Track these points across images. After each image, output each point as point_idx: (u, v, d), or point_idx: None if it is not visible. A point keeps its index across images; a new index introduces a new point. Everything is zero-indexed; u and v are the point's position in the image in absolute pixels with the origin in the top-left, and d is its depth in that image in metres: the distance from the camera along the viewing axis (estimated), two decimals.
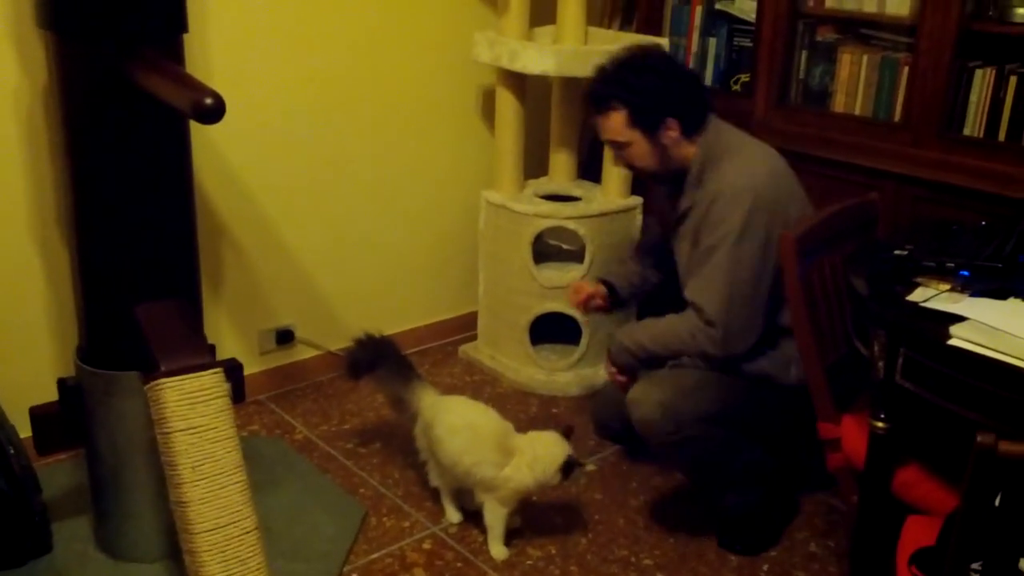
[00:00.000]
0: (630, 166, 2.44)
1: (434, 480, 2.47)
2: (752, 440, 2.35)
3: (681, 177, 2.37)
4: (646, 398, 2.26)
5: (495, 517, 2.33)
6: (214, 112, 1.70)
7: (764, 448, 2.38)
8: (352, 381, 2.68)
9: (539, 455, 2.28)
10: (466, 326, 3.44)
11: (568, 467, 2.28)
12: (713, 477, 2.38)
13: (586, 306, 2.68)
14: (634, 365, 2.38)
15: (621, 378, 2.42)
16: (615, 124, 2.33)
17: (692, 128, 2.32)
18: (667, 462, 2.39)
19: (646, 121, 2.31)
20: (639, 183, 3.17)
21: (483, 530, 2.40)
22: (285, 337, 3.07)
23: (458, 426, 2.34)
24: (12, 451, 2.14)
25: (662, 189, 2.55)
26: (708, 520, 2.50)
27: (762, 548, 2.42)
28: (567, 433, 2.34)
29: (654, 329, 2.36)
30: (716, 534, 2.44)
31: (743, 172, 2.25)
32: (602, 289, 2.67)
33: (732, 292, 2.20)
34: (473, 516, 2.46)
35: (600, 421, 2.70)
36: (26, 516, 2.17)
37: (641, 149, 2.34)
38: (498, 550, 2.35)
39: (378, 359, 2.51)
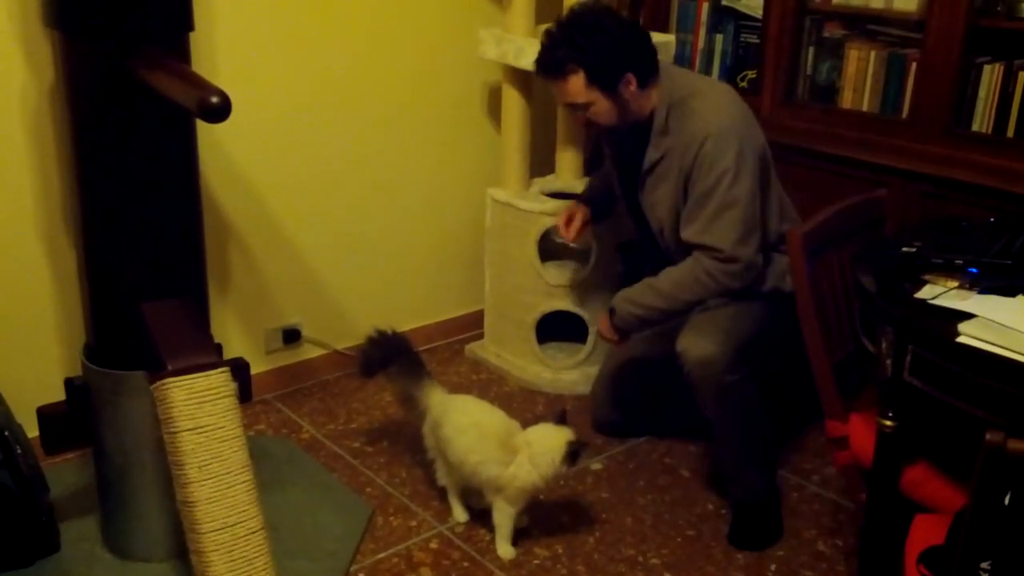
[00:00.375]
0: (591, 124, 2.46)
1: (441, 479, 2.46)
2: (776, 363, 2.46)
3: (642, 128, 2.42)
4: (698, 341, 2.32)
5: (503, 516, 2.33)
6: (220, 110, 1.70)
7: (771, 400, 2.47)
8: (364, 379, 2.68)
9: (538, 450, 2.26)
10: (472, 324, 3.44)
11: (573, 453, 2.26)
12: (744, 435, 2.41)
13: (579, 231, 2.76)
14: (641, 328, 2.48)
15: (617, 340, 2.54)
16: (574, 87, 2.35)
17: (647, 78, 2.37)
18: (707, 413, 2.41)
19: (604, 79, 2.33)
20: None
21: (490, 529, 2.39)
22: (292, 336, 3.07)
23: (464, 425, 2.34)
24: (20, 451, 2.14)
25: (614, 143, 2.61)
26: (715, 519, 2.50)
27: (770, 542, 2.42)
28: (561, 418, 2.33)
29: (662, 288, 2.41)
30: (728, 530, 2.45)
31: (719, 112, 2.32)
32: (583, 207, 2.78)
33: (742, 226, 2.30)
34: (480, 515, 2.46)
35: (600, 418, 2.76)
36: (33, 516, 2.17)
37: (602, 107, 2.37)
38: (505, 549, 2.34)
39: (390, 356, 2.51)
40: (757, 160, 2.33)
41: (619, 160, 2.62)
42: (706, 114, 2.32)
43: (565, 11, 2.40)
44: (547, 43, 2.38)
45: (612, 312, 2.51)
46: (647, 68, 2.37)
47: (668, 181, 2.40)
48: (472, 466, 2.30)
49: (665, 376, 2.49)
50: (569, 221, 2.76)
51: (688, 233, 2.36)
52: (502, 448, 2.28)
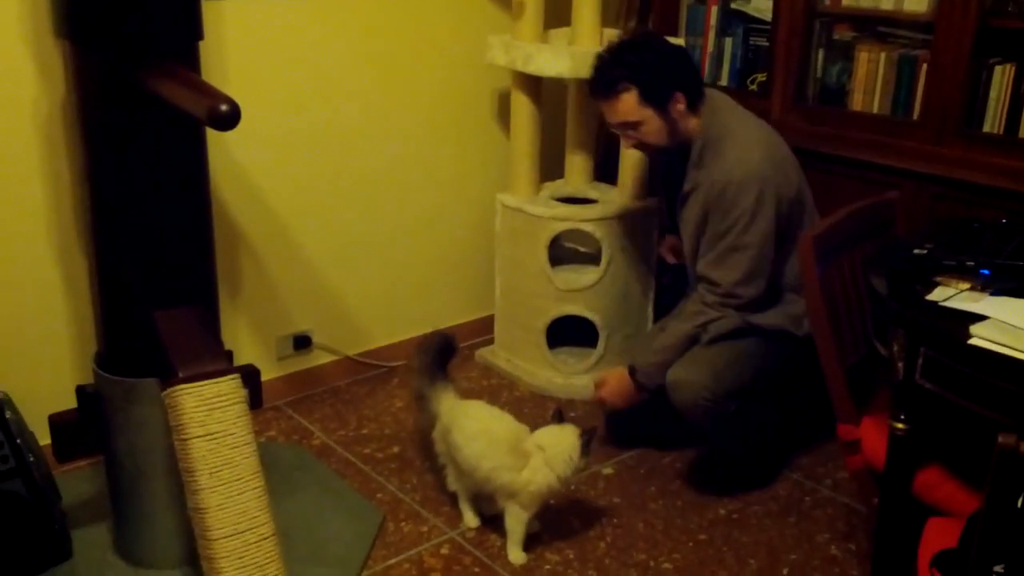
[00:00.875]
0: (641, 145, 2.55)
1: (452, 484, 2.46)
2: (773, 396, 2.55)
3: (685, 153, 2.51)
4: (687, 382, 2.43)
5: (515, 521, 2.32)
6: (230, 118, 1.70)
7: (778, 405, 2.60)
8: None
9: (552, 452, 2.27)
10: (483, 330, 3.44)
11: (587, 443, 2.29)
12: (737, 442, 2.58)
13: (674, 251, 2.87)
14: (662, 374, 2.51)
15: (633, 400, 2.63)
16: (626, 105, 2.45)
17: (695, 100, 2.48)
18: (700, 432, 2.60)
19: (656, 96, 2.43)
20: (655, 184, 3.16)
21: (501, 535, 2.39)
22: (302, 342, 3.07)
23: (475, 431, 2.33)
24: (32, 458, 2.15)
25: (663, 165, 2.73)
26: (727, 524, 2.49)
27: (763, 483, 2.62)
28: (559, 417, 2.36)
29: (669, 340, 2.54)
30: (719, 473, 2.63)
31: (745, 159, 2.39)
32: (669, 237, 2.89)
33: (747, 269, 2.42)
34: (491, 521, 2.45)
35: (611, 425, 2.82)
36: (46, 523, 2.18)
37: (653, 125, 2.47)
38: (517, 555, 2.34)
39: (432, 350, 2.49)
40: (780, 206, 2.40)
41: (666, 178, 2.74)
42: (733, 159, 2.40)
43: (618, 37, 2.53)
44: (599, 64, 2.49)
45: (633, 371, 2.58)
46: (695, 90, 2.47)
47: (693, 211, 2.51)
48: (485, 472, 2.30)
49: None
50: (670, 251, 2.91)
51: (700, 265, 2.51)
52: (513, 453, 2.28)
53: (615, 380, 2.63)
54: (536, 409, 3.03)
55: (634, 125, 2.48)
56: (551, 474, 2.26)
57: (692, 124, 2.48)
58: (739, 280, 2.43)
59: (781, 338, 2.50)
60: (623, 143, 2.64)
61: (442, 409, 2.44)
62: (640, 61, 2.42)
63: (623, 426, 2.84)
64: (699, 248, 2.53)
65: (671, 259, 2.89)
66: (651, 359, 2.55)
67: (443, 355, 2.50)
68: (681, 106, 2.44)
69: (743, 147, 2.41)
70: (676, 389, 2.45)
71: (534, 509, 2.32)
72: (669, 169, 2.71)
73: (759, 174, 2.37)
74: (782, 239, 2.44)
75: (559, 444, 2.28)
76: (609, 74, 2.45)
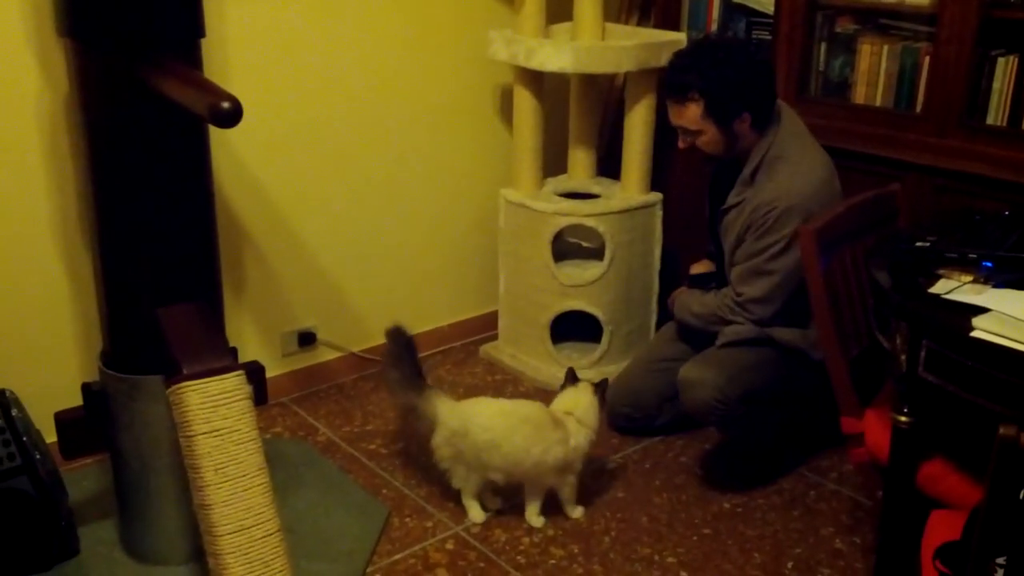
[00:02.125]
0: (695, 149, 2.55)
1: (459, 483, 2.45)
2: (784, 410, 2.58)
3: (737, 163, 2.50)
4: (699, 381, 2.46)
5: (571, 489, 2.45)
6: (231, 116, 1.71)
7: (792, 416, 2.64)
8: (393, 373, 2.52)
9: (580, 411, 2.41)
10: (487, 325, 3.44)
11: (602, 395, 2.47)
12: (749, 445, 2.65)
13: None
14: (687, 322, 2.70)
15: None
16: (691, 114, 2.46)
17: (762, 121, 2.47)
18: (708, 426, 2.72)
19: (721, 114, 2.43)
20: (658, 180, 3.16)
21: (506, 530, 2.41)
22: (307, 339, 3.08)
23: (509, 426, 2.34)
24: (38, 456, 2.16)
25: (714, 166, 2.70)
26: (732, 517, 2.49)
27: (768, 480, 2.63)
28: (573, 377, 2.51)
29: (703, 302, 2.66)
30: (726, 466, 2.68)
31: (794, 188, 2.39)
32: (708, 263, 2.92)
33: (766, 291, 2.47)
34: (496, 515, 2.47)
35: (616, 415, 2.83)
36: (53, 520, 2.19)
37: (711, 137, 2.48)
38: (579, 511, 2.48)
39: (402, 356, 2.45)
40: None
41: (712, 183, 2.72)
42: (783, 184, 2.41)
43: (706, 37, 2.50)
44: (677, 63, 2.48)
45: (674, 301, 2.79)
46: (765, 111, 2.46)
47: (736, 224, 2.53)
48: (536, 458, 2.33)
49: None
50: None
51: (731, 272, 2.58)
52: (554, 428, 2.36)
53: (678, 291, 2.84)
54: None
55: (693, 132, 2.49)
56: (587, 431, 2.40)
57: (753, 141, 2.48)
58: (756, 298, 2.49)
59: (796, 356, 2.52)
60: (679, 141, 2.59)
61: (440, 414, 2.39)
62: (716, 75, 2.39)
63: (631, 421, 2.85)
64: (734, 257, 2.56)
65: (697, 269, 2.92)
66: (689, 301, 2.70)
67: (413, 358, 2.45)
68: (746, 125, 2.44)
69: (797, 176, 2.41)
70: (688, 388, 2.48)
71: (581, 467, 2.43)
72: (717, 177, 2.69)
73: (804, 207, 2.36)
74: None
75: (582, 402, 2.43)
76: (681, 78, 2.44)
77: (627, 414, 2.83)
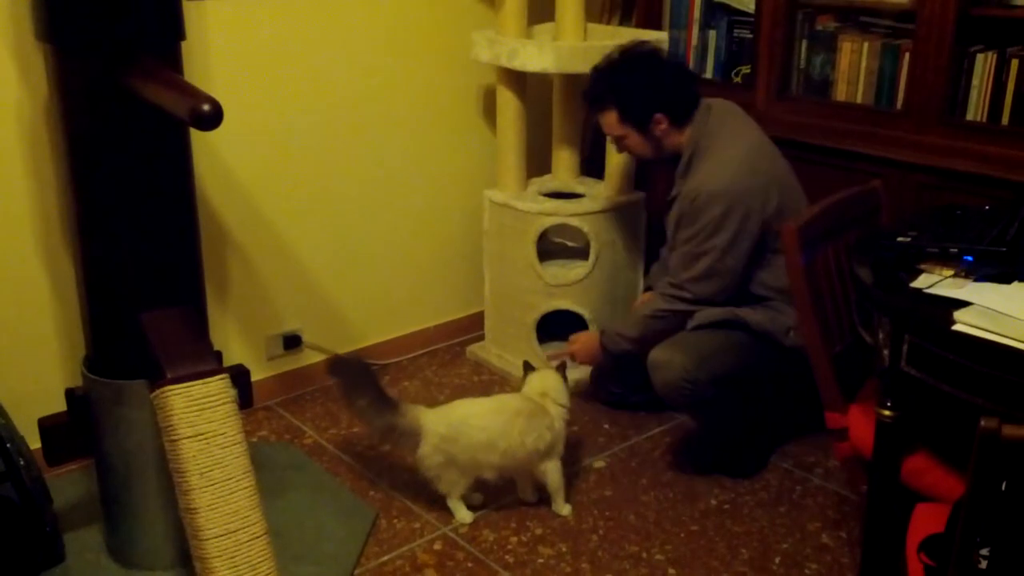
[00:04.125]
0: (630, 153, 2.70)
1: (445, 487, 2.44)
2: (755, 394, 2.61)
3: (677, 162, 2.60)
4: (668, 362, 2.49)
5: (559, 474, 2.47)
6: (212, 118, 1.70)
7: (764, 402, 2.67)
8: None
9: (553, 391, 2.48)
10: (473, 326, 3.44)
11: (564, 373, 2.57)
12: (717, 424, 2.64)
13: None
14: (626, 350, 2.69)
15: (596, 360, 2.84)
16: (609, 121, 2.62)
17: (681, 118, 2.56)
18: (679, 412, 2.80)
19: (636, 118, 2.56)
20: (641, 179, 3.17)
21: (494, 530, 2.41)
22: (292, 342, 3.07)
23: (502, 424, 2.37)
24: (22, 463, 2.15)
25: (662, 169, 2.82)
26: (719, 514, 2.50)
27: (751, 471, 2.66)
28: (528, 367, 2.58)
29: (632, 319, 2.71)
30: (712, 460, 2.69)
31: (718, 173, 2.47)
32: None
33: (704, 268, 2.51)
34: (483, 515, 2.47)
35: (601, 388, 2.97)
36: (37, 527, 2.18)
37: (635, 141, 2.61)
38: (568, 508, 2.50)
39: (359, 383, 2.40)
40: (747, 223, 2.46)
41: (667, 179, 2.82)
42: (707, 172, 2.50)
43: (615, 50, 2.62)
44: (592, 77, 2.62)
45: (602, 333, 2.76)
46: (681, 109, 2.56)
47: (674, 215, 2.63)
48: (531, 447, 2.38)
49: None
50: None
51: (670, 259, 2.67)
52: (540, 414, 2.42)
53: (585, 338, 2.84)
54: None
55: (618, 138, 2.63)
56: (563, 410, 2.47)
57: (679, 138, 2.58)
58: (693, 278, 2.53)
59: (767, 340, 2.54)
60: (616, 148, 2.75)
61: (425, 423, 2.37)
62: (625, 82, 2.54)
63: (614, 395, 2.98)
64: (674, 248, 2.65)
65: None
66: (617, 328, 2.71)
67: (372, 380, 2.40)
68: (664, 126, 2.55)
69: (720, 163, 2.49)
70: (657, 369, 2.51)
71: (563, 450, 2.47)
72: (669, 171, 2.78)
73: (728, 190, 2.44)
74: (761, 251, 2.51)
75: (552, 383, 2.51)
76: (594, 91, 2.61)
77: (610, 387, 2.97)
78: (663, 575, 2.29)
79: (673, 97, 2.54)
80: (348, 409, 2.48)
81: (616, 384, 2.95)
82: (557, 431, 2.44)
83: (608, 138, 2.73)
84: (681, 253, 2.56)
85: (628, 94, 2.54)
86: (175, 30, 2.01)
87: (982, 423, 1.26)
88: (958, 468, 1.89)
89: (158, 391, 1.89)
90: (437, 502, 2.53)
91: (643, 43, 2.65)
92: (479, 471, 2.40)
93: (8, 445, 2.14)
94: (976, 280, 1.84)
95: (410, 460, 2.48)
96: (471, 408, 2.43)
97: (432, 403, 3.03)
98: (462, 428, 2.36)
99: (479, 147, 3.35)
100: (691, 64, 3.25)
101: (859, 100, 2.85)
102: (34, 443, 2.25)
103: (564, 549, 2.37)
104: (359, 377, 2.40)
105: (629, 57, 2.57)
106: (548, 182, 3.27)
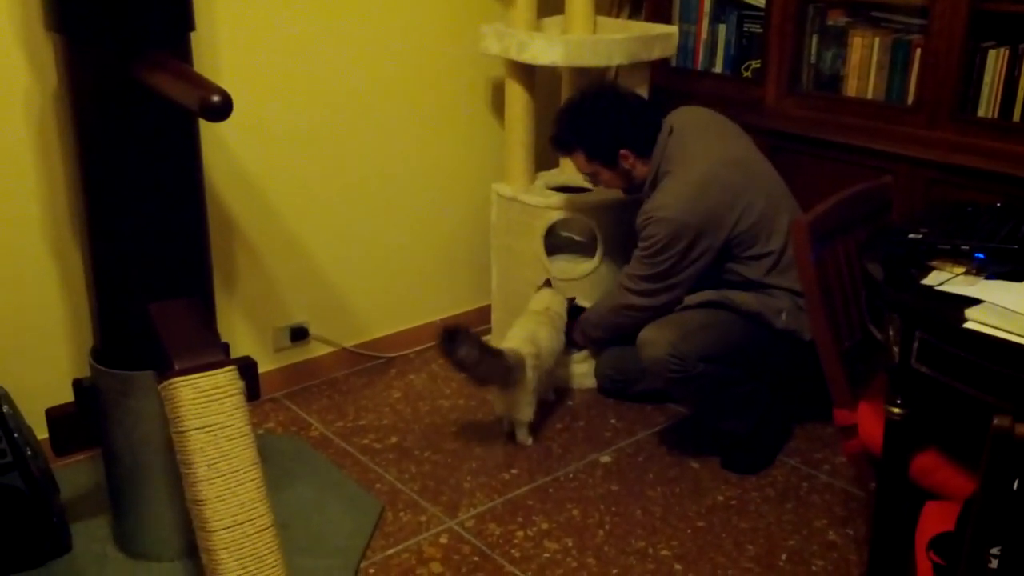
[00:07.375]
0: (606, 187, 2.84)
1: (531, 410, 2.73)
2: (748, 374, 2.64)
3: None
4: (656, 339, 2.55)
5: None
6: (221, 109, 1.70)
7: (759, 382, 2.69)
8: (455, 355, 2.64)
9: (553, 308, 2.89)
10: (480, 319, 3.44)
11: (571, 305, 2.95)
12: (713, 407, 2.68)
13: None
14: (598, 340, 2.95)
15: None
16: (579, 162, 2.77)
17: (646, 149, 2.69)
18: (673, 394, 2.85)
19: (602, 156, 2.70)
20: None
21: (500, 524, 2.42)
22: (299, 334, 3.07)
23: (556, 327, 2.85)
24: (30, 453, 2.15)
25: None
26: (725, 510, 2.49)
27: (759, 468, 2.68)
28: (548, 283, 2.99)
29: (598, 308, 2.91)
30: (720, 457, 2.71)
31: (667, 204, 2.58)
32: None
33: (643, 283, 2.68)
34: (489, 509, 2.46)
35: (602, 378, 3.02)
36: (44, 517, 2.18)
37: (607, 176, 2.76)
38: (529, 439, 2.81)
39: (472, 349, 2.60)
40: (692, 249, 2.57)
41: None
42: (662, 199, 2.61)
43: (575, 93, 2.80)
44: (556, 122, 2.77)
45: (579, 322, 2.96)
46: (643, 142, 2.68)
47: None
48: (558, 348, 2.88)
49: None
50: None
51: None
52: (559, 321, 2.89)
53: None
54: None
55: (591, 175, 2.78)
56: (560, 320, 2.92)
57: (646, 168, 2.70)
58: (638, 275, 2.68)
59: (757, 321, 2.60)
60: (592, 184, 2.93)
61: (522, 353, 2.67)
62: (586, 125, 2.67)
63: (616, 384, 3.01)
64: None
65: None
66: (589, 316, 2.92)
67: (479, 341, 2.61)
68: (631, 159, 2.68)
69: (670, 193, 2.60)
70: (644, 347, 2.57)
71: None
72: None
73: (673, 219, 2.55)
74: (724, 258, 2.61)
75: (558, 305, 2.91)
76: (560, 134, 2.75)
77: (610, 376, 2.99)
78: (669, 571, 2.28)
79: (634, 131, 2.66)
80: (461, 369, 2.61)
81: (617, 373, 2.98)
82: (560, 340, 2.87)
83: (584, 175, 2.84)
84: (633, 262, 2.71)
85: (591, 135, 2.67)
86: (185, 21, 2.01)
87: (996, 421, 1.25)
88: (968, 466, 1.88)
89: (166, 382, 1.89)
90: (443, 495, 2.53)
91: (601, 82, 2.82)
92: (543, 375, 2.76)
93: (16, 435, 2.14)
94: (987, 277, 1.83)
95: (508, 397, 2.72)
96: (530, 328, 2.77)
97: (439, 398, 3.05)
98: (540, 343, 2.73)
99: (487, 141, 3.34)
100: (701, 59, 3.25)
101: (870, 95, 2.84)
102: (41, 433, 2.25)
103: (570, 544, 2.37)
104: (467, 341, 2.58)
105: (589, 98, 2.71)
106: (556, 176, 3.26)
